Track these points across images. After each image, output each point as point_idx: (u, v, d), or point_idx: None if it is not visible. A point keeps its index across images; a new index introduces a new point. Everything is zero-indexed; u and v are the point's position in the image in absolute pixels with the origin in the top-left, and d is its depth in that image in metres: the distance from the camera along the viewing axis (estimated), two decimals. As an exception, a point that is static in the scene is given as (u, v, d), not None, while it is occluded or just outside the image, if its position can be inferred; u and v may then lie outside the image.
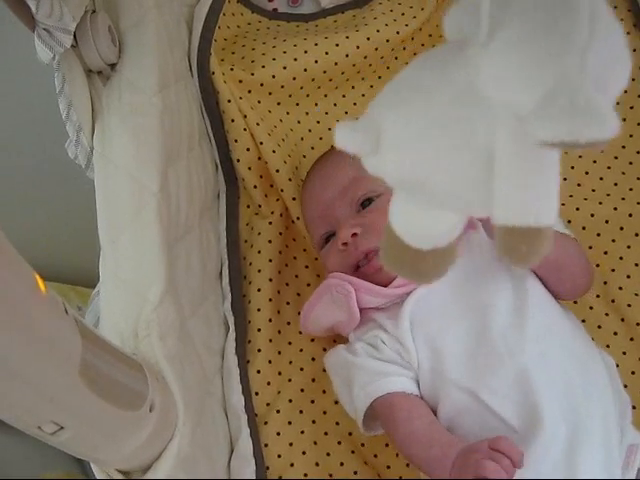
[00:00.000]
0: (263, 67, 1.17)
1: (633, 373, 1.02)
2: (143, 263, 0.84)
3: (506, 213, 0.50)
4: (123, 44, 0.95)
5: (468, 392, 0.86)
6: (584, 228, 1.10)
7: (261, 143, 1.14)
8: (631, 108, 1.17)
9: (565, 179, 1.11)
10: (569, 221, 1.10)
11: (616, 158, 1.15)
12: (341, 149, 1.09)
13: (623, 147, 1.16)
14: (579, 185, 1.14)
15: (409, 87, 0.51)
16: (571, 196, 1.13)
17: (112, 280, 0.84)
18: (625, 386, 0.98)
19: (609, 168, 1.15)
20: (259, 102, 1.18)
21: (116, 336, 0.81)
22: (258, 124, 1.14)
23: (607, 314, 1.06)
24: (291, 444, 1.00)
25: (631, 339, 1.04)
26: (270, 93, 1.19)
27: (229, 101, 1.13)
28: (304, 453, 1.00)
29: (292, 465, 0.99)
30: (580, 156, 1.16)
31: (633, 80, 0.49)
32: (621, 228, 1.09)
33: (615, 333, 1.04)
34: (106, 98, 0.92)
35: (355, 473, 1.00)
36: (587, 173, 1.15)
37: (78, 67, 0.91)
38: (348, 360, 0.94)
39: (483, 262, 0.95)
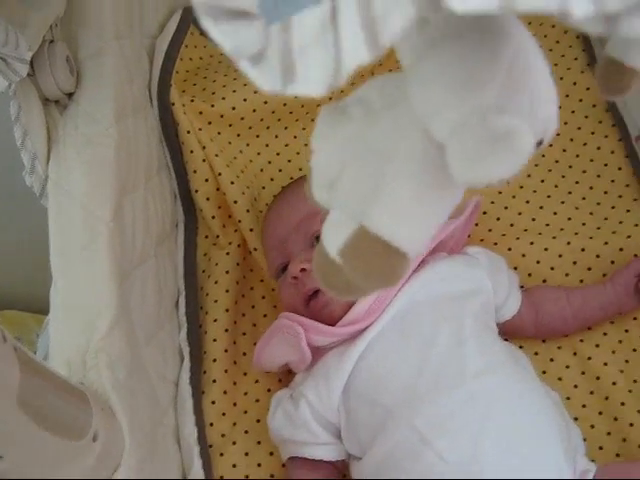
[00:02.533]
0: (223, 99, 1.18)
1: (584, 406, 1.03)
2: (93, 292, 0.84)
3: None
4: (81, 74, 0.96)
5: (405, 421, 0.86)
6: (538, 262, 1.11)
7: (220, 174, 1.14)
8: (584, 145, 1.20)
9: (520, 214, 1.15)
10: (523, 255, 1.11)
11: (570, 193, 1.17)
12: (297, 186, 1.10)
13: (577, 182, 1.18)
14: (533, 220, 1.16)
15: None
16: (526, 230, 1.15)
17: (62, 309, 0.84)
18: (575, 419, 0.99)
19: (563, 203, 1.17)
20: (219, 133, 1.19)
21: (65, 365, 0.80)
22: (217, 155, 1.15)
23: (559, 347, 1.07)
24: (247, 476, 1.00)
25: (582, 373, 1.05)
26: (230, 125, 1.20)
27: (188, 132, 1.14)
28: None
29: None
30: (535, 191, 1.18)
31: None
32: (574, 262, 1.11)
33: (567, 366, 1.06)
34: (62, 128, 0.93)
35: None
36: (541, 207, 1.17)
37: (35, 96, 0.91)
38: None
39: (431, 292, 0.96)
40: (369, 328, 0.94)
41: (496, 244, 1.13)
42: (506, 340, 1.01)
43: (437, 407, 0.86)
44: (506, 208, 1.17)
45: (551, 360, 1.06)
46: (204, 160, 1.14)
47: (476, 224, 1.13)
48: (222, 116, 1.19)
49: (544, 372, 1.03)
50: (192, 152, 1.14)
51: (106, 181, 0.90)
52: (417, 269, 0.99)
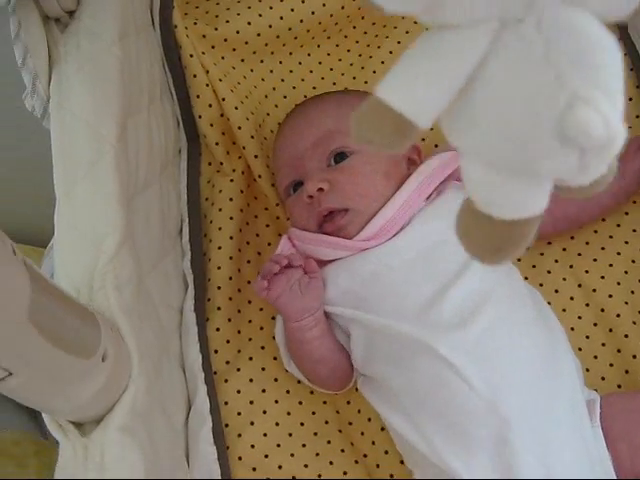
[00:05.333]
0: (227, 22, 1.15)
1: (587, 337, 1.03)
2: (99, 214, 0.82)
3: None
4: (82, -9, 0.93)
5: (430, 349, 0.87)
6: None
7: (223, 99, 1.11)
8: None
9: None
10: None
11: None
12: (318, 101, 1.08)
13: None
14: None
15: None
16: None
17: (67, 232, 0.82)
18: (579, 349, 1.00)
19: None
20: (223, 58, 1.16)
21: (71, 288, 0.79)
22: (221, 80, 1.12)
23: (564, 279, 1.06)
24: (252, 402, 1.00)
25: (587, 304, 1.05)
26: (234, 49, 1.17)
27: (191, 56, 1.10)
28: (265, 412, 1.00)
29: (252, 423, 0.99)
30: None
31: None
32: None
33: (572, 298, 1.05)
34: (64, 46, 0.90)
35: (315, 434, 1.01)
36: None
37: (35, 13, 0.88)
38: None
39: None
40: (381, 246, 0.94)
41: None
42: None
43: (462, 335, 0.86)
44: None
45: (556, 292, 1.06)
46: (207, 85, 1.12)
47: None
48: (226, 40, 1.15)
49: (549, 303, 1.03)
50: (195, 76, 1.11)
51: (111, 100, 0.88)
52: (431, 197, 0.99)
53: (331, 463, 0.99)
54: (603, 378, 1.01)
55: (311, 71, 1.22)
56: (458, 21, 0.44)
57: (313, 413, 1.02)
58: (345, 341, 0.98)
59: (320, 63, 1.22)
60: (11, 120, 1.18)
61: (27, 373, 0.60)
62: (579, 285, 1.06)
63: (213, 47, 1.15)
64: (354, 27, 1.24)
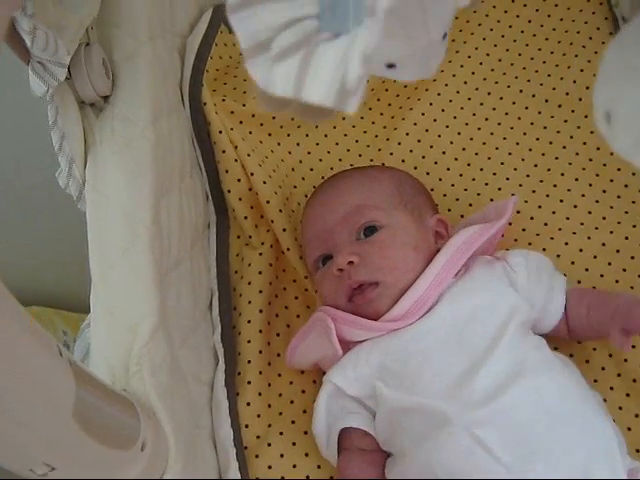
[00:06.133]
0: (254, 98, 1.17)
1: (620, 408, 1.02)
2: (135, 297, 0.83)
3: None
4: (116, 76, 0.95)
5: (456, 423, 0.86)
6: (573, 263, 1.11)
7: (252, 174, 1.13)
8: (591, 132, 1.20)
9: (554, 212, 1.14)
10: (558, 255, 1.10)
11: (604, 192, 1.16)
12: (346, 176, 1.10)
13: (611, 181, 1.17)
14: (567, 219, 1.15)
15: None
16: (560, 229, 1.14)
17: (103, 314, 0.84)
18: (613, 421, 0.99)
19: (597, 202, 1.16)
20: (250, 133, 1.19)
21: (107, 371, 0.80)
22: (249, 155, 1.14)
23: (595, 349, 1.06)
24: (283, 478, 0.99)
25: (618, 375, 1.04)
26: (261, 124, 1.19)
27: (220, 132, 1.13)
28: None
29: None
30: (569, 189, 1.17)
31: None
32: (609, 264, 1.10)
33: (603, 368, 1.05)
34: (99, 130, 0.92)
35: None
36: (575, 207, 1.16)
37: (71, 99, 0.91)
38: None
39: (484, 297, 0.96)
40: (414, 326, 0.94)
41: (530, 244, 1.12)
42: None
43: (493, 410, 0.86)
44: (540, 207, 1.16)
45: (587, 362, 1.05)
46: (236, 160, 1.14)
47: (510, 223, 1.12)
48: (253, 115, 1.18)
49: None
50: (224, 152, 1.13)
51: (145, 183, 0.90)
52: (459, 273, 0.99)
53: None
54: (638, 450, 1.00)
55: (337, 143, 1.24)
56: None
57: (344, 487, 1.01)
58: (368, 421, 0.97)
59: (345, 135, 1.25)
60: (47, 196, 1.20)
61: (69, 468, 0.61)
62: (610, 355, 1.06)
63: (241, 122, 1.18)
64: (378, 99, 1.27)
